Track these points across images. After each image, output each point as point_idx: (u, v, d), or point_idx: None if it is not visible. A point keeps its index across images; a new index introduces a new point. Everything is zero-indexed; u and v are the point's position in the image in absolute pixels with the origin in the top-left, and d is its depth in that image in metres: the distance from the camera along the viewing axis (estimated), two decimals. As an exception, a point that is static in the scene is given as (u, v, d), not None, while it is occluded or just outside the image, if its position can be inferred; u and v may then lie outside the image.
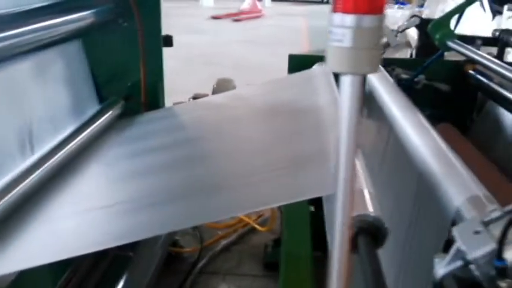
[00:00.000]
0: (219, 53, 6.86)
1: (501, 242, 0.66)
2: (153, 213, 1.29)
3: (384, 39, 2.02)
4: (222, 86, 2.94)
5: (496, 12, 5.89)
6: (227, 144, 1.45)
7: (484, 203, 0.90)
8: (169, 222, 1.25)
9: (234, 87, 2.71)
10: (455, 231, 0.75)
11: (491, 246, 0.68)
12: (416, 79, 2.10)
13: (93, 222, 1.33)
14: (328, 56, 0.57)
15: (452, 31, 1.96)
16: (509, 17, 5.57)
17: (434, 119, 2.10)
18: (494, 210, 0.73)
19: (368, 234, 0.83)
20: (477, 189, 0.95)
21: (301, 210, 1.20)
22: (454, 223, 0.92)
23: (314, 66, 1.97)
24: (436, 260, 0.76)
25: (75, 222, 1.35)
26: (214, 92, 2.75)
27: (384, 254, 1.44)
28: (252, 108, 1.64)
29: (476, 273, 0.69)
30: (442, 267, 0.73)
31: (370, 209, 0.88)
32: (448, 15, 1.97)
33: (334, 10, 0.54)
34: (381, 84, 1.74)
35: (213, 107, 1.85)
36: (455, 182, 1.00)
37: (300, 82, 1.72)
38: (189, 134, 1.81)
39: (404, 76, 2.12)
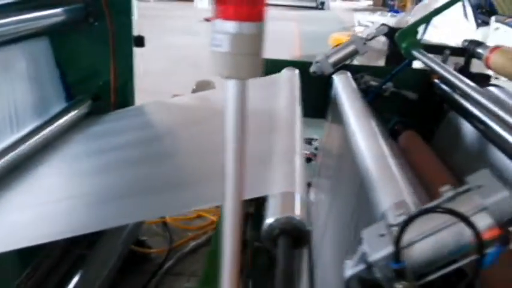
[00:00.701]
0: (205, 55, 6.87)
1: (397, 244, 0.68)
2: (113, 205, 1.31)
3: (352, 47, 2.05)
4: (201, 87, 2.97)
5: (482, 22, 5.95)
6: (185, 143, 1.47)
7: (408, 208, 0.91)
8: (128, 214, 1.28)
9: (213, 89, 2.73)
10: (364, 234, 0.77)
11: (390, 248, 0.69)
12: (384, 86, 2.13)
13: (52, 214, 1.36)
14: (211, 61, 0.59)
15: (418, 40, 1.99)
16: (497, 28, 5.62)
17: (401, 126, 2.14)
18: (401, 214, 0.75)
19: (288, 235, 0.85)
20: (406, 195, 0.96)
21: None
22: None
23: (283, 71, 1.99)
24: (347, 262, 0.77)
25: (35, 213, 1.38)
26: (194, 93, 2.77)
27: (331, 256, 1.47)
28: (213, 110, 1.66)
29: (378, 275, 0.71)
30: (349, 269, 0.75)
31: (297, 212, 0.90)
32: (415, 25, 2.00)
33: (216, 17, 0.56)
34: (344, 91, 1.76)
35: (178, 108, 1.87)
36: (388, 187, 1.01)
37: (265, 85, 1.75)
38: (152, 132, 1.83)
39: (372, 83, 2.14)
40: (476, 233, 0.64)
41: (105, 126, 2.06)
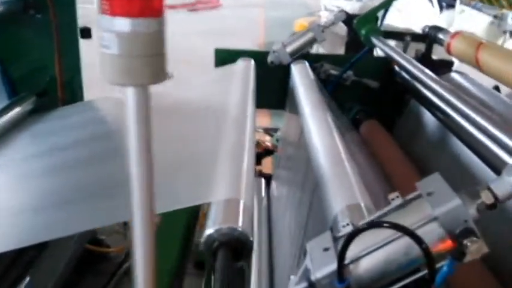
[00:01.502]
0: (174, 45, 6.71)
1: (340, 261, 0.61)
2: (63, 212, 1.21)
3: (310, 35, 1.97)
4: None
5: (448, 5, 5.95)
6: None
7: (361, 213, 0.85)
8: (80, 222, 1.15)
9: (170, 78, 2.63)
10: (308, 247, 0.70)
11: (335, 265, 0.63)
12: (344, 75, 2.07)
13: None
14: (100, 65, 0.51)
15: (378, 27, 1.93)
16: (462, 11, 5.62)
17: (363, 115, 2.09)
18: (347, 225, 0.68)
19: (229, 248, 0.78)
20: (360, 197, 0.90)
21: (175, 220, 1.13)
22: (332, 231, 0.87)
23: (238, 61, 1.91)
24: (291, 278, 0.71)
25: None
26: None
27: (284, 257, 1.41)
28: (160, 106, 1.56)
29: (322, 294, 0.65)
30: (292, 285, 0.68)
31: (240, 221, 0.82)
32: (374, 11, 1.94)
33: (101, 12, 0.47)
34: (301, 81, 1.69)
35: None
36: (341, 188, 0.95)
37: (216, 78, 1.66)
38: (103, 130, 1.73)
39: (333, 72, 2.08)
40: (424, 248, 0.58)
41: (52, 123, 1.95)
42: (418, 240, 0.58)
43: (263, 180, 2.06)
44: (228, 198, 0.88)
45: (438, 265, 0.62)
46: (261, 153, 2.28)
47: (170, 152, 1.10)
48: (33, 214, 1.25)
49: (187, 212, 1.17)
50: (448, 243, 0.62)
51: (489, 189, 0.63)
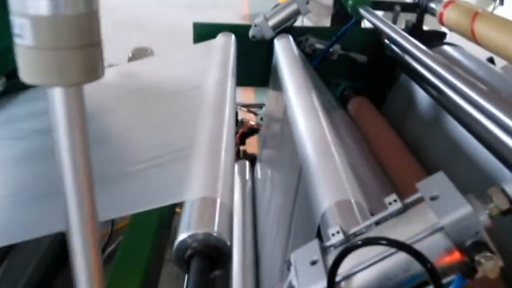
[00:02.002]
0: (152, 17, 6.50)
1: (331, 280, 0.52)
2: (39, 206, 1.09)
3: (294, 7, 1.85)
4: (137, 55, 2.73)
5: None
6: (102, 129, 1.26)
7: (351, 211, 0.76)
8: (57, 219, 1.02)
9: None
10: (293, 258, 0.61)
11: (323, 283, 0.54)
12: (331, 49, 1.96)
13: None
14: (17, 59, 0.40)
15: (366, -3, 1.81)
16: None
17: (351, 92, 1.99)
18: (337, 233, 0.59)
19: (204, 257, 0.68)
20: (350, 192, 0.81)
21: (146, 221, 1.03)
22: (319, 230, 0.78)
23: (218, 36, 1.79)
24: (274, 291, 0.62)
25: None
26: (130, 61, 2.54)
27: (270, 247, 1.33)
28: (131, 89, 1.45)
29: (308, 316, 0.56)
30: (274, 305, 0.59)
31: (216, 225, 0.72)
32: (362, -21, 1.82)
33: None
34: (284, 57, 1.58)
35: (102, 84, 1.64)
36: (329, 182, 0.85)
37: (193, 57, 1.54)
38: None
39: (318, 46, 1.96)
40: (429, 268, 0.49)
41: (23, 107, 1.82)
42: (422, 260, 0.49)
43: (247, 163, 1.96)
44: (203, 196, 0.78)
45: (444, 281, 0.53)
46: (246, 132, 2.17)
47: (139, 143, 1.00)
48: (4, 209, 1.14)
49: (160, 210, 1.07)
50: (456, 256, 0.53)
51: (503, 192, 0.53)
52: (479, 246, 0.50)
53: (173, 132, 1.05)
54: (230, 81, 1.34)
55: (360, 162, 1.26)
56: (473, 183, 1.26)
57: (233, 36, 1.74)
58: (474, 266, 0.50)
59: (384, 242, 0.50)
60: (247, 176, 1.88)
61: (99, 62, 0.39)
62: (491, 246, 0.50)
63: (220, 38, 1.74)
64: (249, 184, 1.80)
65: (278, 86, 1.52)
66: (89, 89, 1.38)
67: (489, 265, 0.48)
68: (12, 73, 1.87)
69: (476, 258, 0.49)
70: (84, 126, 0.41)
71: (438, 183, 0.56)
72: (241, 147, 2.17)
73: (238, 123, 2.20)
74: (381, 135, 1.62)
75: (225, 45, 1.63)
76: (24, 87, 1.89)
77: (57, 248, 1.85)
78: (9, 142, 1.58)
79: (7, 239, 0.96)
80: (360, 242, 0.51)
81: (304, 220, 0.99)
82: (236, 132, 2.14)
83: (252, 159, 2.00)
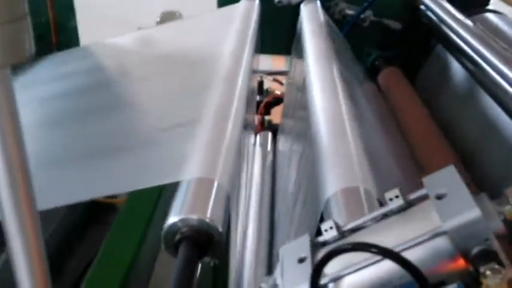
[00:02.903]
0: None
1: (313, 283, 0.47)
2: (66, 172, 1.05)
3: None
4: (166, 19, 2.68)
5: None
6: (110, 98, 1.22)
7: (358, 199, 0.70)
8: (87, 185, 0.88)
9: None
10: (282, 252, 0.55)
11: (307, 286, 0.48)
12: (362, 15, 1.85)
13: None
14: None
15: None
16: None
17: (382, 62, 1.88)
18: (330, 229, 0.53)
19: (193, 243, 0.64)
20: (360, 178, 0.74)
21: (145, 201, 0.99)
22: (322, 217, 0.73)
23: (241, 1, 1.71)
24: (262, 286, 0.57)
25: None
26: (158, 25, 2.50)
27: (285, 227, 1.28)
28: (151, 55, 1.40)
29: (292, 319, 0.51)
30: (259, 303, 0.54)
31: (210, 210, 0.68)
32: None
33: None
34: (308, 23, 1.49)
35: (123, 50, 1.60)
36: (338, 165, 0.79)
37: (211, 24, 1.47)
38: (104, 78, 1.57)
39: (349, 12, 1.86)
40: (419, 280, 0.43)
41: (48, 70, 1.81)
42: (414, 272, 0.43)
43: (270, 134, 1.90)
44: (199, 177, 0.73)
45: (445, 289, 0.47)
46: (271, 102, 2.10)
47: (143, 114, 0.95)
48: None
49: (158, 189, 1.03)
50: (459, 264, 0.46)
51: (522, 192, 0.46)
52: (487, 255, 0.44)
53: (180, 105, 1.00)
54: (248, 49, 1.27)
55: (382, 141, 1.18)
56: (505, 166, 1.17)
57: (257, 1, 1.66)
58: (478, 278, 0.43)
59: (375, 250, 0.44)
60: (269, 148, 1.82)
61: (25, 39, 0.34)
62: (502, 256, 0.44)
63: (244, 3, 1.66)
64: (270, 156, 1.75)
65: (300, 55, 1.44)
66: (103, 54, 1.34)
67: (495, 280, 0.42)
68: (34, 38, 1.87)
69: (482, 269, 0.43)
70: (15, 113, 0.36)
71: (447, 179, 0.49)
72: (266, 117, 2.11)
73: (264, 92, 2.13)
74: (410, 111, 1.52)
75: (247, 11, 1.55)
76: (46, 52, 1.88)
77: (76, 212, 1.86)
78: (32, 105, 1.57)
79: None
80: (348, 246, 0.45)
81: (313, 202, 0.93)
82: (260, 102, 2.07)
83: (275, 130, 1.94)
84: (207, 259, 0.66)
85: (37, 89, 1.66)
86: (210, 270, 0.87)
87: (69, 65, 1.76)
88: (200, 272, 1.00)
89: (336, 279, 0.49)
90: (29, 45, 0.35)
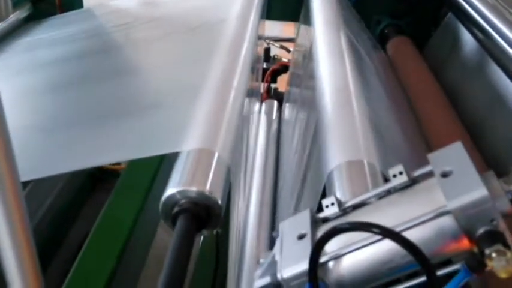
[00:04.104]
0: None
1: (313, 260, 0.45)
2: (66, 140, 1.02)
3: None
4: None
5: None
6: (113, 63, 1.20)
7: (361, 172, 0.68)
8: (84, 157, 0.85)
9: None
10: (281, 228, 0.54)
11: (306, 264, 0.47)
12: (373, -18, 1.80)
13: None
14: None
15: None
16: None
17: (392, 31, 1.84)
18: (331, 205, 0.51)
19: (190, 215, 0.63)
20: (363, 152, 0.72)
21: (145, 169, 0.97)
22: (324, 190, 0.71)
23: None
24: (261, 261, 0.56)
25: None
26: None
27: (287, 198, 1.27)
28: (157, 19, 1.36)
29: (291, 296, 0.50)
30: (257, 278, 0.53)
31: (209, 182, 0.66)
32: None
33: None
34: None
35: (127, 13, 1.56)
36: (343, 137, 0.77)
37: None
38: (108, 41, 1.53)
39: (359, -22, 1.80)
40: (428, 269, 0.41)
41: (50, 32, 1.78)
42: (416, 253, 0.41)
43: (275, 102, 1.88)
44: (199, 148, 0.71)
45: (448, 269, 0.46)
46: (277, 69, 2.07)
47: (144, 82, 0.93)
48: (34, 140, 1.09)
49: (158, 158, 1.02)
50: (464, 244, 0.45)
51: (532, 171, 0.44)
52: (493, 237, 0.42)
53: (183, 73, 0.97)
54: (254, 14, 1.23)
55: (389, 113, 1.16)
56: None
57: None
58: (483, 260, 0.42)
59: (377, 230, 0.42)
60: (274, 116, 1.80)
61: None
62: (508, 238, 0.42)
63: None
64: (274, 124, 1.73)
65: (308, 22, 1.40)
66: (107, 16, 1.30)
67: (500, 262, 0.40)
68: (38, -1, 1.83)
69: (487, 251, 0.41)
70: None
71: (454, 156, 0.47)
72: (273, 85, 2.08)
73: (270, 59, 2.10)
74: (419, 81, 1.49)
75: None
76: (48, 13, 1.85)
77: (81, 177, 1.87)
78: (32, 69, 1.55)
79: (35, 172, 0.89)
80: (346, 225, 0.44)
81: (316, 174, 0.91)
82: (267, 69, 2.04)
83: (281, 99, 1.91)
84: (205, 232, 0.65)
85: (39, 52, 1.64)
86: (213, 242, 0.87)
87: (72, 27, 1.73)
88: (203, 244, 1.00)
89: (336, 257, 0.48)
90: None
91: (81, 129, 0.92)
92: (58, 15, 1.87)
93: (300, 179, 1.04)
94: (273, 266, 0.51)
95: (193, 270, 1.26)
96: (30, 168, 0.87)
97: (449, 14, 1.59)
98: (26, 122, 1.15)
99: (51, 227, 1.55)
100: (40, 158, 0.88)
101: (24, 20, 1.80)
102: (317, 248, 0.44)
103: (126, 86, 1.03)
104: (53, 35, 1.74)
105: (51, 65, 1.48)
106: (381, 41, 1.80)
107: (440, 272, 0.45)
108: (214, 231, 0.69)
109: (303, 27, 1.64)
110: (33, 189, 1.54)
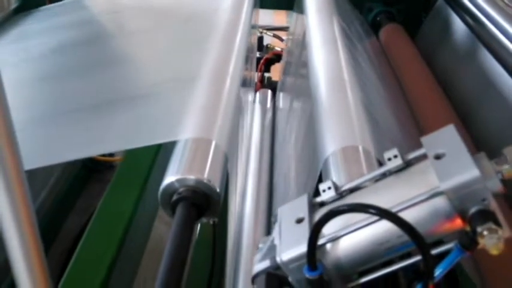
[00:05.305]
0: None
1: (312, 243, 0.47)
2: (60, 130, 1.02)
3: None
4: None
5: None
6: (108, 53, 1.20)
7: (357, 159, 0.69)
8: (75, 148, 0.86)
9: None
10: (280, 212, 0.55)
11: (305, 247, 0.48)
12: (364, -30, 1.80)
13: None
14: None
15: None
16: None
17: (384, 18, 1.85)
18: (328, 189, 0.53)
19: (189, 203, 0.64)
20: (359, 138, 0.73)
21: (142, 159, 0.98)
22: (321, 176, 0.73)
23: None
24: (260, 246, 0.57)
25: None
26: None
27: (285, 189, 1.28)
28: (151, 8, 1.36)
29: (290, 279, 0.51)
30: (256, 262, 0.55)
31: (206, 170, 0.67)
32: None
33: None
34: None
35: (118, 2, 1.56)
36: (338, 123, 0.78)
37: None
38: (99, 31, 1.53)
39: (351, -34, 1.80)
40: (423, 247, 0.43)
41: (40, 23, 1.78)
42: (412, 233, 0.43)
43: (269, 92, 1.88)
44: (197, 137, 0.72)
45: (441, 248, 0.47)
46: (271, 58, 2.07)
47: (140, 72, 0.94)
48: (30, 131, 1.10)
49: (155, 147, 1.02)
50: (457, 224, 0.46)
51: (522, 151, 0.46)
52: (484, 215, 0.43)
53: (177, 62, 0.98)
54: (247, 4, 1.24)
55: (383, 99, 1.17)
56: (502, 122, 1.16)
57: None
58: (475, 238, 0.43)
59: (373, 211, 0.43)
60: (268, 105, 1.81)
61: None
62: (499, 216, 0.44)
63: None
64: (269, 114, 1.74)
65: (301, 10, 1.41)
66: (98, 6, 1.29)
67: (492, 239, 0.42)
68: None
69: (479, 229, 0.43)
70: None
71: (446, 138, 0.48)
72: (266, 74, 2.09)
73: (264, 48, 2.10)
74: (411, 67, 1.51)
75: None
76: (39, 3, 1.84)
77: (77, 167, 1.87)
78: (23, 61, 1.54)
79: (30, 162, 0.90)
80: (345, 207, 0.45)
81: (312, 160, 0.93)
82: (260, 58, 2.04)
83: (275, 88, 1.92)
84: (204, 219, 0.66)
85: (29, 42, 1.63)
86: (211, 230, 0.88)
87: (63, 17, 1.73)
88: (200, 232, 1.02)
89: (334, 239, 0.49)
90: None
91: (74, 120, 0.93)
92: (47, 6, 1.86)
93: (296, 166, 1.06)
94: (272, 250, 0.52)
95: (190, 259, 1.27)
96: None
97: (440, 1, 1.60)
98: (17, 113, 1.15)
99: (45, 219, 1.56)
100: (32, 149, 0.88)
101: (14, 11, 1.79)
102: (315, 231, 0.45)
103: (121, 76, 1.04)
104: (42, 26, 1.74)
105: (41, 56, 1.48)
106: (374, 28, 1.81)
107: (435, 251, 0.47)
108: (211, 221, 0.70)
109: (296, 15, 1.65)
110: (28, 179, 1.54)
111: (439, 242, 0.48)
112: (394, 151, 0.51)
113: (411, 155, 0.50)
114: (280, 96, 1.79)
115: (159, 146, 1.02)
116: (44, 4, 1.85)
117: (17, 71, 1.45)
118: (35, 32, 1.68)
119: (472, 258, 0.89)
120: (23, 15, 1.78)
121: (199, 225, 1.35)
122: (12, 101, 1.24)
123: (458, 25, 1.45)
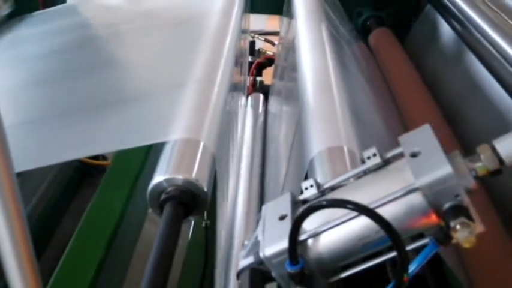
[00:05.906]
0: None
1: (292, 241, 0.48)
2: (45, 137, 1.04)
3: None
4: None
5: None
6: (97, 56, 1.21)
7: (341, 159, 0.71)
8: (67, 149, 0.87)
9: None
10: (264, 210, 0.57)
11: (287, 242, 0.50)
12: (354, -25, 1.83)
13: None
14: None
15: None
16: None
17: (374, 22, 1.87)
18: (310, 187, 0.54)
19: (177, 202, 0.65)
20: (344, 139, 0.75)
21: (132, 160, 1.00)
22: (307, 176, 0.74)
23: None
24: (245, 243, 0.59)
25: None
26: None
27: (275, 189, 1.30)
28: (140, 13, 1.38)
29: (273, 274, 0.53)
30: (241, 258, 0.56)
31: (195, 170, 0.69)
32: None
33: None
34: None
35: (110, 7, 1.58)
36: (324, 125, 0.80)
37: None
38: (91, 36, 1.54)
39: (341, -29, 1.83)
40: (397, 242, 0.45)
41: (33, 28, 1.79)
42: (387, 228, 0.45)
43: (261, 96, 1.90)
44: (185, 138, 0.74)
45: (418, 244, 0.49)
46: (262, 63, 2.09)
47: (129, 75, 0.95)
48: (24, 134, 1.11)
49: (145, 149, 1.04)
50: (432, 219, 0.48)
51: (494, 150, 0.47)
52: (457, 210, 0.45)
53: (167, 66, 0.99)
54: (237, 8, 1.26)
55: (370, 102, 1.19)
56: (487, 124, 1.18)
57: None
58: (449, 233, 0.45)
59: (351, 206, 0.45)
60: (260, 109, 1.83)
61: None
62: (471, 211, 0.45)
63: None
64: (261, 118, 1.76)
65: (291, 15, 1.43)
66: (90, 12, 1.31)
67: (464, 233, 0.44)
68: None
69: (452, 224, 0.45)
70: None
71: (422, 137, 0.50)
72: (258, 78, 2.11)
73: (255, 52, 2.12)
74: (399, 71, 1.53)
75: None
76: (31, 9, 1.85)
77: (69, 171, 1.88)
78: (16, 65, 1.55)
79: (24, 164, 0.91)
80: (324, 202, 0.47)
81: (299, 161, 0.95)
82: (252, 63, 2.06)
83: (267, 92, 1.94)
84: (192, 218, 0.68)
85: (22, 47, 1.65)
86: (203, 232, 0.89)
87: (56, 23, 1.74)
88: (193, 234, 1.03)
89: (315, 235, 0.51)
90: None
91: (67, 122, 0.94)
92: (41, 11, 1.87)
93: (285, 168, 1.07)
94: (256, 245, 0.54)
95: (182, 261, 1.29)
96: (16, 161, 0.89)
97: (428, 6, 1.63)
98: (10, 116, 1.17)
99: (38, 223, 1.57)
100: (25, 151, 0.90)
101: (7, 16, 1.81)
102: (296, 226, 0.47)
103: (112, 79, 1.05)
104: (36, 30, 1.75)
105: (34, 60, 1.49)
106: (363, 32, 1.84)
107: (411, 246, 0.49)
108: (204, 224, 0.71)
109: (286, 20, 1.67)
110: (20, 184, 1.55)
111: (418, 236, 0.50)
112: (373, 150, 0.52)
113: (389, 154, 0.52)
114: (272, 99, 1.81)
115: (149, 148, 1.04)
116: (38, 9, 1.86)
117: (10, 75, 1.46)
118: (29, 37, 1.70)
119: (460, 257, 0.91)
120: (17, 20, 1.79)
121: (191, 227, 1.37)
122: (5, 105, 1.26)
123: (445, 30, 1.48)
